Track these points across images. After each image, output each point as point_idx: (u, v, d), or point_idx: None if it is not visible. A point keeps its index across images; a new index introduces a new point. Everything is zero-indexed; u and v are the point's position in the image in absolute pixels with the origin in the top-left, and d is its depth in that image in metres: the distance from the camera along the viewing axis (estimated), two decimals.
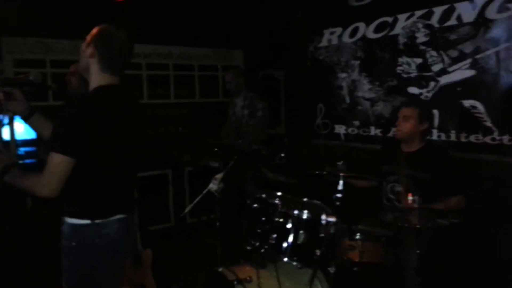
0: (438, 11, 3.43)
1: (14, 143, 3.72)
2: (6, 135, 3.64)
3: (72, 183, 1.71)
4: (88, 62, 1.85)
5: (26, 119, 1.97)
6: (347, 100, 4.25)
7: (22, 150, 3.63)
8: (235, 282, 2.25)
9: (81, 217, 1.80)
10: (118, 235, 1.86)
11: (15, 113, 1.95)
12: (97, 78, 1.85)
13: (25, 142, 3.72)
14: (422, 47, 3.56)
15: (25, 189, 1.76)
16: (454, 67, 3.35)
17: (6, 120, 1.88)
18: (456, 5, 3.30)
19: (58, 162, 1.67)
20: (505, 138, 3.07)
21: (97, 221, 1.80)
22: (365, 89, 4.07)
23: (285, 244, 2.34)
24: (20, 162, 3.45)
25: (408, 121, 2.78)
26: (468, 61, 3.26)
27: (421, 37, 3.56)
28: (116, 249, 1.88)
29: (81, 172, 1.72)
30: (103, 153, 1.77)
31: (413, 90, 3.64)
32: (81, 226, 1.80)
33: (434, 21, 3.46)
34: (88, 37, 1.86)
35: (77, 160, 1.69)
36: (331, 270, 2.34)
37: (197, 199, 2.72)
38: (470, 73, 3.25)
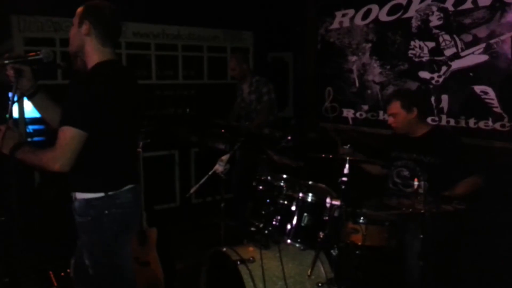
0: None
1: (23, 121, 3.76)
2: (15, 113, 3.68)
3: (83, 157, 1.73)
4: (83, 41, 1.86)
5: (30, 97, 1.96)
6: (357, 83, 4.20)
7: (30, 128, 3.66)
8: (239, 262, 2.26)
9: (94, 191, 1.82)
10: (131, 204, 1.90)
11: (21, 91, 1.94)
12: (96, 54, 1.85)
13: (34, 120, 3.75)
14: (436, 31, 3.48)
15: (37, 165, 1.77)
16: (467, 51, 3.28)
17: (15, 98, 1.89)
18: None
19: (71, 136, 1.69)
20: None
21: (110, 192, 1.83)
22: (376, 72, 4.01)
23: (289, 226, 2.36)
24: (29, 140, 3.49)
25: (396, 116, 2.71)
26: (482, 45, 3.18)
27: (434, 21, 3.48)
28: (131, 218, 1.94)
29: (92, 145, 1.74)
30: (112, 126, 1.80)
31: (424, 74, 3.58)
32: (95, 199, 1.82)
33: (449, 4, 3.37)
34: (76, 18, 1.87)
35: (89, 134, 1.71)
36: (334, 252, 2.35)
37: (203, 180, 2.73)
38: (483, 58, 3.18)
